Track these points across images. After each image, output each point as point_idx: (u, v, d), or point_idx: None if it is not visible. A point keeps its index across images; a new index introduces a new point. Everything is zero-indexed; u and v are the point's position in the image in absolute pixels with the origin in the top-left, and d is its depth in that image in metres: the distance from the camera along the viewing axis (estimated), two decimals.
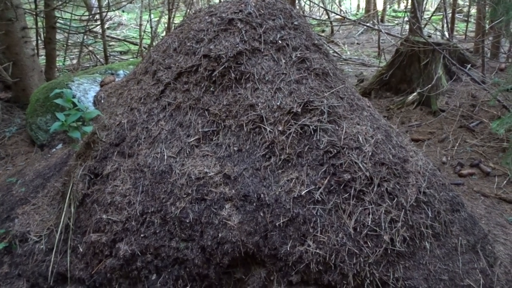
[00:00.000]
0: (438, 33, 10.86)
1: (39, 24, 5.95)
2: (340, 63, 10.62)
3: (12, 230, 2.82)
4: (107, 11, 6.68)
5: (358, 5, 19.85)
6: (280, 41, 2.35)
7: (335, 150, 2.19)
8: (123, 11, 16.66)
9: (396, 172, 2.28)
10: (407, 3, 17.58)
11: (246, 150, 2.23)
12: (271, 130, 2.20)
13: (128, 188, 2.39)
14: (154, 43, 9.43)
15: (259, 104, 2.24)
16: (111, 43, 13.31)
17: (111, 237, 2.35)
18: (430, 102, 6.22)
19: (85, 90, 3.14)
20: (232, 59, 2.30)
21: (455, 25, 11.19)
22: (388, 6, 16.98)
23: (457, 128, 5.42)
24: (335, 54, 11.14)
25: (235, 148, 2.24)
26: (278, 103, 2.21)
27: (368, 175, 2.18)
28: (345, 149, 2.21)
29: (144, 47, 9.86)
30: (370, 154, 2.23)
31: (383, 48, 8.99)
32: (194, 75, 2.39)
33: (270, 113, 2.21)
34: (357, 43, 13.50)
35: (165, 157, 2.34)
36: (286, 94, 2.24)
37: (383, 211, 2.15)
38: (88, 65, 10.51)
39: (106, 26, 15.27)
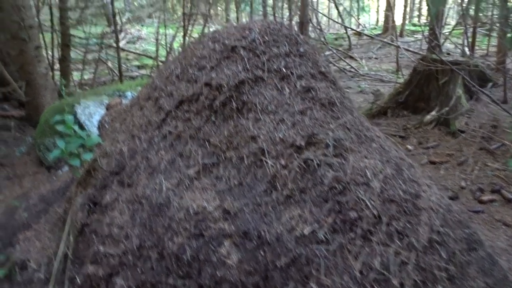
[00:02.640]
0: (458, 49, 10.60)
1: (55, 41, 6.03)
2: (357, 79, 10.48)
3: (13, 256, 2.78)
4: (120, 29, 6.73)
5: (377, 19, 19.69)
6: (284, 69, 2.26)
7: (340, 186, 2.07)
8: (142, 25, 16.95)
9: (406, 210, 2.13)
10: (426, 17, 17.33)
11: (247, 184, 2.13)
12: (273, 164, 2.09)
13: (126, 220, 2.31)
14: (169, 58, 9.51)
15: (261, 136, 2.14)
16: (129, 57, 13.52)
17: (107, 270, 2.27)
18: (448, 122, 6.01)
19: (91, 114, 3.11)
20: (234, 88, 2.21)
21: (477, 39, 10.90)
22: (407, 20, 16.76)
23: (477, 150, 5.19)
24: (352, 70, 11.00)
25: (236, 182, 2.14)
26: (280, 136, 2.11)
27: (376, 213, 2.04)
28: (351, 185, 2.08)
29: (161, 61, 9.95)
30: (378, 190, 2.10)
31: (401, 64, 8.80)
32: (195, 104, 2.31)
33: (272, 145, 2.11)
34: (375, 58, 13.33)
35: (164, 189, 2.25)
36: (290, 126, 2.13)
37: (392, 253, 2.00)
38: (105, 79, 10.66)
39: (126, 40, 15.54)
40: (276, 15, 10.96)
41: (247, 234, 2.05)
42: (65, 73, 5.41)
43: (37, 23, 4.77)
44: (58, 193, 3.11)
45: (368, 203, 2.05)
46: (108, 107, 3.23)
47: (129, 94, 3.57)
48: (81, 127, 3.14)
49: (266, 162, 2.10)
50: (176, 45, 10.68)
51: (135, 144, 2.50)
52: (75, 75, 8.85)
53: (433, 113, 6.33)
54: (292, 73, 2.25)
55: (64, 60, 5.29)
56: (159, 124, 2.44)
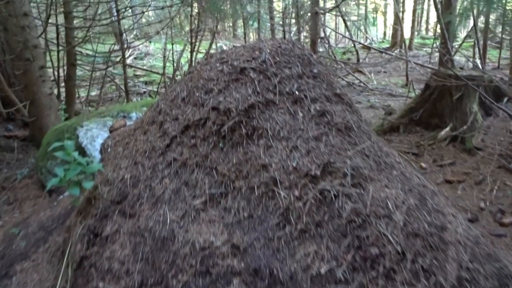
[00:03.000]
0: (469, 62, 10.41)
1: (60, 59, 5.97)
2: (366, 93, 10.31)
3: None
4: (128, 45, 6.68)
5: (385, 33, 19.60)
6: (297, 92, 2.11)
7: (360, 220, 1.89)
8: (150, 42, 17.01)
9: (432, 244, 1.94)
10: (435, 30, 17.21)
11: (258, 216, 1.96)
12: (286, 195, 1.92)
13: (127, 254, 2.15)
14: (177, 74, 9.43)
15: (273, 164, 1.97)
16: (137, 73, 13.51)
17: None
18: (464, 139, 5.80)
19: (93, 137, 2.98)
20: (243, 113, 2.06)
21: (487, 52, 10.71)
22: (416, 33, 16.63)
23: (496, 168, 4.96)
24: (361, 84, 10.84)
25: (245, 214, 1.98)
26: (294, 164, 1.94)
27: (399, 249, 1.86)
28: (372, 218, 1.90)
29: (168, 77, 9.87)
30: (401, 223, 1.92)
31: (411, 79, 8.63)
32: (202, 129, 2.16)
33: (285, 175, 1.94)
34: (384, 72, 13.16)
35: (168, 221, 2.09)
36: (304, 154, 1.97)
37: None
38: (111, 96, 10.61)
39: (134, 56, 15.58)
40: (285, 29, 10.86)
41: (258, 272, 1.88)
42: (71, 93, 5.32)
43: (41, 43, 4.70)
44: (58, 220, 2.96)
45: (391, 238, 1.87)
46: (111, 130, 3.10)
47: (134, 115, 3.44)
48: (83, 151, 3.01)
49: (279, 193, 1.93)
50: (183, 60, 10.62)
51: (138, 171, 2.35)
52: (82, 92, 8.80)
53: (447, 129, 6.13)
54: (305, 96, 2.10)
55: (70, 79, 5.20)
56: (164, 150, 2.29)
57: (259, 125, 2.04)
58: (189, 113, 2.23)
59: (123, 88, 8.49)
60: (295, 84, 2.13)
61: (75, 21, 5.37)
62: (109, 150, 2.84)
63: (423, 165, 5.60)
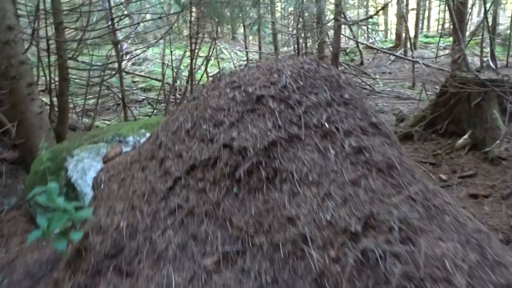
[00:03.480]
0: (477, 61, 10.03)
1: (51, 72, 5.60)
2: (373, 97, 9.92)
3: None
4: (123, 52, 6.29)
5: (386, 32, 19.19)
6: (326, 124, 1.73)
7: (413, 286, 1.51)
8: (148, 47, 16.60)
9: None
10: (439, 28, 16.82)
11: (284, 281, 1.58)
12: (320, 256, 1.54)
13: None
14: (177, 80, 9.04)
15: (301, 216, 1.60)
16: (135, 79, 13.13)
17: None
18: (485, 147, 5.42)
19: (84, 170, 2.60)
20: (262, 152, 1.69)
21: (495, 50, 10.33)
22: (420, 32, 16.24)
23: None
24: (367, 87, 10.45)
25: (268, 279, 1.60)
26: (328, 217, 1.56)
27: None
28: (427, 283, 1.53)
29: (167, 83, 9.48)
30: None
31: (423, 82, 8.25)
32: (211, 171, 1.78)
33: (317, 230, 1.57)
34: (389, 72, 12.78)
35: (173, 284, 1.72)
36: (339, 203, 1.59)
37: None
38: (109, 104, 10.22)
39: (131, 62, 15.20)
40: (292, 34, 10.40)
41: None
42: (64, 109, 4.94)
43: (29, 57, 4.32)
44: (46, 266, 2.59)
45: None
46: (105, 160, 2.73)
47: (130, 139, 3.07)
48: (72, 187, 2.63)
49: (310, 254, 1.56)
50: (183, 65, 10.22)
51: (136, 218, 1.98)
52: (80, 100, 8.41)
53: (466, 137, 5.77)
54: (337, 129, 1.72)
55: (62, 94, 4.82)
56: (166, 194, 1.91)
57: (282, 167, 1.66)
58: (195, 150, 1.86)
59: (119, 95, 8.10)
60: (323, 114, 1.75)
61: (66, 32, 4.99)
62: (102, 186, 2.46)
63: (443, 176, 5.23)
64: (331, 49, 7.80)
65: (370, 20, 11.25)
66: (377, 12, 11.27)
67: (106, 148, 2.92)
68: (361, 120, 1.77)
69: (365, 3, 15.98)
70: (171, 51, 8.49)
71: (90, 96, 8.73)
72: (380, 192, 1.62)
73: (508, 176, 4.87)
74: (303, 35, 8.62)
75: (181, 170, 1.89)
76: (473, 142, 5.65)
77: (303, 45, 9.65)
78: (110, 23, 5.41)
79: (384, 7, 10.53)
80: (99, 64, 6.40)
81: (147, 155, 2.17)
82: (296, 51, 8.41)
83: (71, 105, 7.58)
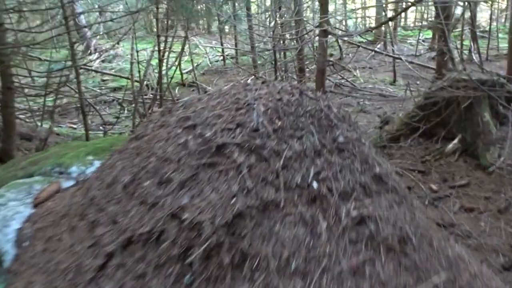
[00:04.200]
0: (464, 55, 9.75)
1: None
2: (355, 94, 9.51)
3: None
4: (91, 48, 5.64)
5: (364, 25, 18.86)
6: (315, 183, 1.23)
7: None
8: (118, 42, 15.77)
9: None
10: (416, 22, 16.60)
11: None
12: None
13: None
14: (145, 80, 8.39)
15: None
16: (104, 78, 12.36)
17: None
18: (477, 153, 5.10)
19: (6, 219, 2.03)
20: (224, 229, 1.18)
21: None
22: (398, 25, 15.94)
23: None
24: (348, 83, 10.04)
25: None
26: None
27: None
28: None
29: (136, 81, 8.83)
30: None
31: (407, 82, 7.87)
32: (155, 248, 1.27)
33: None
34: (369, 67, 12.42)
35: None
36: None
37: None
38: (72, 108, 9.45)
39: (102, 58, 14.39)
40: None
41: None
42: (9, 122, 4.31)
43: None
44: None
45: None
46: (36, 202, 2.18)
47: (74, 170, 2.51)
48: None
49: None
50: (154, 61, 9.58)
51: None
52: (39, 102, 7.67)
53: (455, 141, 5.44)
54: (329, 190, 1.22)
55: (6, 106, 4.19)
56: (94, 275, 1.38)
57: (252, 249, 1.15)
58: (134, 216, 1.33)
59: (88, 100, 7.41)
60: (310, 168, 1.24)
61: (10, 34, 4.34)
62: (27, 243, 1.92)
63: (434, 187, 4.87)
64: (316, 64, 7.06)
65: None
66: (375, 27, 10.87)
67: (41, 185, 2.36)
68: (361, 173, 1.28)
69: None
70: (137, 50, 7.82)
71: (50, 99, 8.02)
72: (392, 285, 1.13)
73: (502, 185, 4.55)
74: (281, 42, 7.96)
75: (115, 242, 1.36)
76: (464, 147, 5.35)
77: (282, 55, 8.96)
78: (64, 22, 4.78)
79: (384, 23, 10.11)
80: (56, 70, 5.72)
81: (77, 211, 1.63)
82: (274, 69, 7.63)
83: (27, 107, 6.87)
